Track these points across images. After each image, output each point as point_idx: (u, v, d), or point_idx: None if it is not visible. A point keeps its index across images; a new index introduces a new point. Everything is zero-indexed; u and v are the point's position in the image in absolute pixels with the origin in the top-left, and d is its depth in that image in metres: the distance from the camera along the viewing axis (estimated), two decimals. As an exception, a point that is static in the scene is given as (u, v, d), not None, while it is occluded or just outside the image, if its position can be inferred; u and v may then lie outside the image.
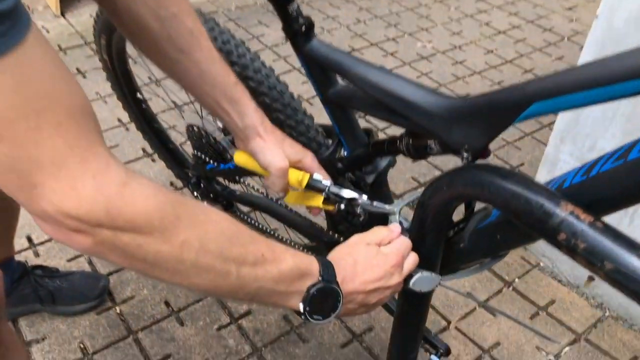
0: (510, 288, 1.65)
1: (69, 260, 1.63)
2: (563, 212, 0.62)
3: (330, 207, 0.93)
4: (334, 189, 0.90)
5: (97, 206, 0.51)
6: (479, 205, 0.91)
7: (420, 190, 0.93)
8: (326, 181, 0.91)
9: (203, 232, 0.59)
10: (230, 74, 0.91)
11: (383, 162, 0.97)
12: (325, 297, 0.71)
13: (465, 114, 0.74)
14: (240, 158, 1.02)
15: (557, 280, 1.68)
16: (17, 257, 1.62)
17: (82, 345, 1.43)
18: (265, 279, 0.66)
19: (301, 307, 0.71)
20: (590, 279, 1.62)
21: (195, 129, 1.36)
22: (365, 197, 0.86)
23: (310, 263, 0.71)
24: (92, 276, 1.54)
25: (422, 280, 0.82)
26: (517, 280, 1.67)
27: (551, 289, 1.65)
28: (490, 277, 1.68)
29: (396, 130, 0.87)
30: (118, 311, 1.52)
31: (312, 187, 0.91)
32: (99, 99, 2.24)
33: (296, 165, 0.93)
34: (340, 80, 0.93)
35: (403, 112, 0.80)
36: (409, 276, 0.81)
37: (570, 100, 0.60)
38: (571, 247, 0.61)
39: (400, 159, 0.99)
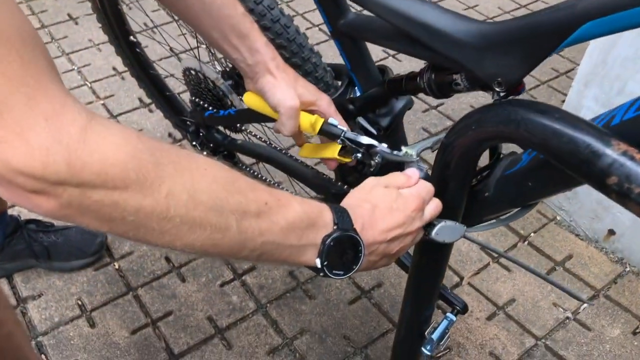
0: (526, 242, 1.58)
1: (65, 215, 1.56)
2: (614, 152, 0.53)
3: (348, 159, 0.84)
4: (351, 135, 0.81)
5: (54, 158, 0.41)
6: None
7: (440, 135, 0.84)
8: (342, 127, 0.82)
9: (191, 180, 0.50)
10: (237, 4, 0.82)
11: (399, 103, 0.88)
12: (343, 248, 0.63)
13: (500, 41, 0.64)
14: (250, 99, 0.93)
15: (575, 234, 1.61)
16: (10, 211, 1.56)
17: (79, 302, 1.37)
18: (272, 232, 0.58)
19: (318, 262, 0.63)
20: (611, 232, 1.55)
21: (192, 73, 1.26)
22: (384, 145, 0.77)
23: (322, 211, 0.63)
24: (89, 231, 1.47)
25: (446, 230, 0.74)
26: (532, 234, 1.60)
27: (568, 244, 1.58)
28: (504, 231, 1.61)
29: (413, 67, 0.78)
30: (117, 267, 1.46)
31: (327, 132, 0.82)
32: (93, 46, 2.13)
33: (310, 109, 0.85)
34: (352, 9, 0.83)
35: (425, 41, 0.70)
36: (431, 225, 0.73)
37: (635, 15, 0.51)
38: (623, 192, 0.52)
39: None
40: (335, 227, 0.63)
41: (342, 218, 0.63)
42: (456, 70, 0.72)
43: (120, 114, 1.87)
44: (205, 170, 0.52)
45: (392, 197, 0.69)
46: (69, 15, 2.27)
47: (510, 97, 0.69)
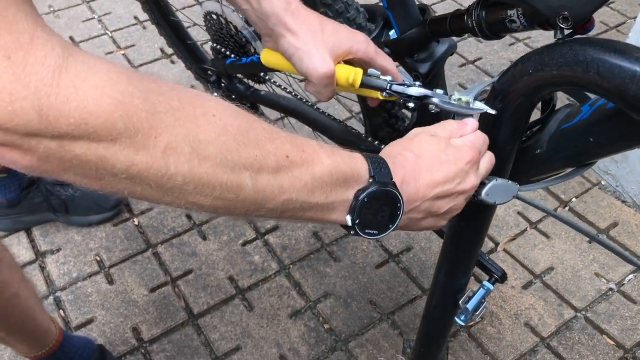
0: (567, 209, 1.48)
1: (84, 168, 1.51)
2: None
3: (394, 98, 0.72)
4: (398, 88, 0.68)
5: (20, 105, 0.34)
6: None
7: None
8: (386, 77, 0.69)
9: (195, 131, 0.42)
10: None
11: (442, 48, 0.78)
12: (379, 205, 0.54)
13: (570, -35, 0.53)
14: (269, 58, 0.79)
15: (621, 200, 1.50)
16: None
17: (98, 258, 1.33)
18: (295, 189, 0.49)
19: (349, 219, 0.54)
20: (661, 200, 1.43)
21: (214, 17, 1.17)
22: (441, 91, 0.66)
23: (355, 162, 0.54)
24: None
25: (497, 190, 0.64)
26: (574, 200, 1.50)
27: (614, 211, 1.47)
28: (544, 196, 1.50)
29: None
30: (136, 223, 1.41)
31: (368, 86, 0.70)
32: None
33: (347, 58, 0.71)
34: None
35: (479, -30, 0.60)
36: (481, 185, 0.63)
37: None
38: None
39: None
40: (370, 181, 0.54)
41: (380, 169, 0.54)
42: (512, 5, 0.62)
43: (141, 65, 1.80)
44: (213, 118, 0.44)
45: (441, 147, 0.59)
46: (90, -38, 2.18)
47: (577, 36, 0.59)
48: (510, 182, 0.66)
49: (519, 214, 1.46)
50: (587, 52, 0.54)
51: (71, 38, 1.88)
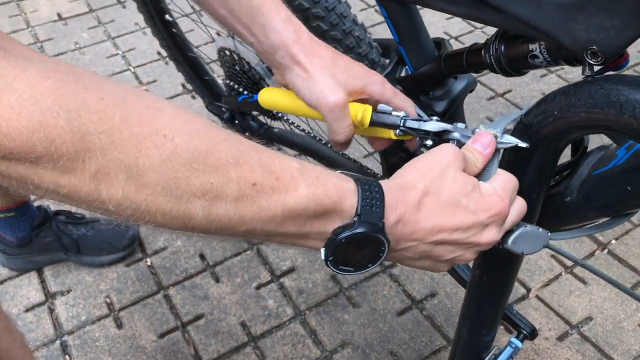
0: (606, 251, 1.37)
1: (99, 206, 1.48)
2: None
3: (408, 137, 0.66)
4: (413, 124, 0.62)
5: None
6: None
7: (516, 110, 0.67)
8: (398, 112, 0.63)
9: (135, 154, 0.37)
10: None
11: (459, 84, 0.71)
12: (359, 246, 0.47)
13: (598, -6, 0.47)
14: (267, 97, 0.74)
15: (666, 243, 1.38)
16: (46, 200, 1.50)
17: (108, 300, 1.29)
18: (260, 220, 0.43)
19: (322, 252, 0.48)
20: None
21: (227, 53, 1.14)
22: (462, 125, 0.59)
23: (341, 194, 0.46)
24: (120, 224, 1.38)
25: (526, 238, 0.56)
26: (613, 241, 1.39)
27: (658, 254, 1.36)
28: (580, 238, 1.40)
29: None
30: (149, 263, 1.36)
31: (379, 123, 0.64)
32: (138, 30, 2.06)
33: (360, 97, 0.65)
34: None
35: (495, 1, 0.54)
36: (508, 232, 0.55)
37: None
38: None
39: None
40: (355, 219, 0.46)
41: (370, 207, 0.46)
42: (533, 38, 0.55)
43: (162, 101, 1.79)
44: (163, 138, 0.38)
45: (466, 189, 0.50)
46: (117, -1, 2.21)
47: (608, 73, 0.52)
48: (540, 229, 0.58)
49: (552, 256, 1.36)
50: (620, 92, 0.47)
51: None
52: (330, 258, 0.47)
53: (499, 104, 1.76)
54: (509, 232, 0.56)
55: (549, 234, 0.59)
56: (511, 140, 0.56)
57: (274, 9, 0.64)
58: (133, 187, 0.37)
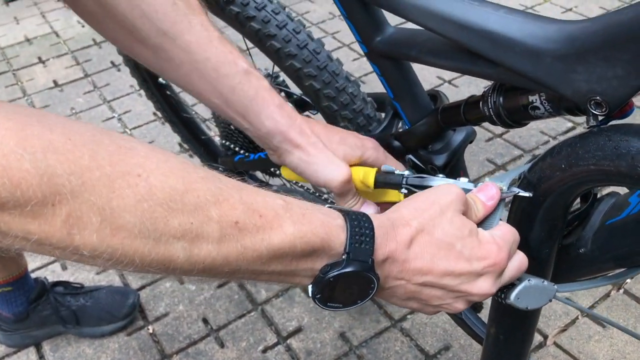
0: (622, 291, 1.33)
1: (98, 274, 1.45)
2: None
3: None
4: (415, 181, 0.61)
5: None
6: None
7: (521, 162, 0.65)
8: (400, 171, 0.63)
9: (108, 196, 0.35)
10: (239, 58, 0.64)
11: (458, 136, 0.70)
12: (348, 284, 0.46)
13: (597, 44, 0.45)
14: (288, 172, 0.74)
15: (683, 279, 1.34)
16: (44, 271, 1.47)
17: (109, 373, 1.24)
18: (244, 260, 0.41)
19: (310, 289, 0.46)
20: None
21: (221, 113, 1.13)
22: (465, 180, 0.58)
23: (329, 232, 0.44)
24: (120, 292, 1.34)
25: (530, 292, 0.53)
26: (629, 281, 1.34)
27: (676, 291, 1.32)
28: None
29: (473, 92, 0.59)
30: (151, 331, 1.32)
31: (384, 183, 0.63)
32: (134, 92, 2.07)
33: (357, 164, 0.67)
34: (391, 23, 0.66)
35: (489, 54, 0.52)
36: (510, 286, 0.53)
37: None
38: None
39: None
40: (344, 257, 0.45)
41: (360, 244, 0.45)
42: (533, 90, 0.54)
43: (159, 161, 1.78)
44: (137, 178, 0.36)
45: (462, 233, 0.48)
46: (112, 62, 2.23)
47: (613, 123, 0.50)
48: (546, 282, 0.55)
49: (567, 299, 1.31)
50: (630, 143, 0.45)
51: (91, 138, 1.88)
52: (318, 296, 0.46)
53: (497, 144, 1.75)
54: (512, 287, 0.53)
55: (555, 286, 0.56)
56: (514, 190, 0.54)
57: (268, 97, 0.65)
58: (108, 230, 0.35)
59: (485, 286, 0.49)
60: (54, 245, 0.35)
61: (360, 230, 0.45)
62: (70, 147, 0.34)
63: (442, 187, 0.52)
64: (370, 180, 0.63)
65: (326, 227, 0.44)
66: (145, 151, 0.38)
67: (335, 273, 0.44)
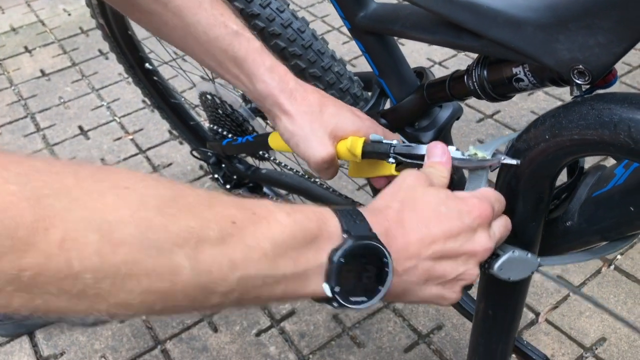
0: (612, 267, 1.34)
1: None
2: None
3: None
4: (403, 149, 0.60)
5: None
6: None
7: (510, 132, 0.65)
8: (389, 140, 0.62)
9: (101, 210, 0.33)
10: (229, 20, 0.64)
11: (445, 113, 0.69)
12: (361, 264, 0.44)
13: (579, 12, 0.45)
14: (274, 141, 0.75)
15: (673, 254, 1.35)
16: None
17: (103, 360, 1.24)
18: (252, 262, 0.39)
19: (327, 288, 0.43)
20: None
21: (209, 97, 1.12)
22: (452, 147, 0.57)
23: (322, 217, 0.44)
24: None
25: (513, 264, 0.54)
26: (619, 257, 1.35)
27: (666, 266, 1.32)
28: (584, 255, 1.36)
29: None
30: (144, 317, 1.32)
31: (372, 153, 0.62)
32: (122, 80, 2.05)
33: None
34: (375, -1, 0.66)
35: (472, 26, 0.52)
36: (494, 256, 0.53)
37: None
38: None
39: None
40: (345, 236, 0.44)
41: (354, 221, 0.45)
42: (517, 62, 0.53)
43: (149, 148, 1.77)
44: (125, 190, 0.35)
45: (441, 198, 0.49)
46: (99, 50, 2.21)
47: (597, 91, 0.49)
48: (529, 255, 0.55)
49: (559, 277, 1.32)
50: (613, 111, 0.44)
51: (80, 127, 1.87)
52: (337, 289, 0.43)
53: (488, 125, 1.75)
54: (496, 257, 0.53)
55: (539, 259, 0.57)
56: (499, 157, 0.54)
57: (259, 58, 0.64)
58: (108, 247, 0.32)
59: (483, 240, 0.50)
60: (49, 280, 0.31)
61: (349, 213, 0.45)
62: (52, 169, 0.32)
63: (400, 175, 0.52)
64: (358, 150, 0.62)
65: (317, 213, 0.44)
66: (127, 170, 0.37)
67: (342, 250, 0.43)
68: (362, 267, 0.44)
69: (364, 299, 0.45)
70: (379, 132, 0.66)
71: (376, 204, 0.49)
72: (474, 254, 0.49)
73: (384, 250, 0.44)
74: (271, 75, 0.64)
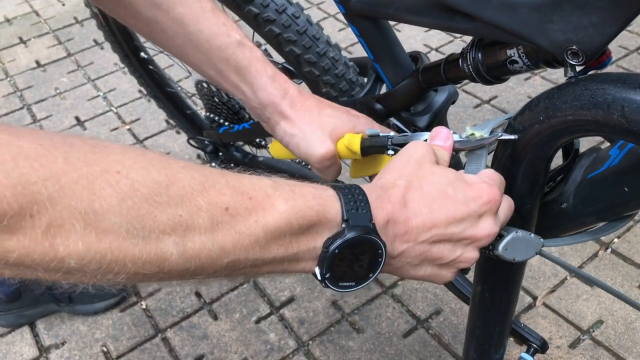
0: (609, 250, 1.34)
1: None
2: None
3: None
4: (401, 139, 0.60)
5: None
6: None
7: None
8: (387, 133, 0.62)
9: (89, 198, 0.33)
10: (232, 29, 0.65)
11: (440, 97, 0.69)
12: (355, 255, 0.44)
13: (573, -8, 0.45)
14: (277, 150, 0.76)
15: (669, 237, 1.36)
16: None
17: (104, 349, 1.25)
18: (242, 248, 0.39)
19: (317, 272, 0.44)
20: None
21: (205, 85, 1.12)
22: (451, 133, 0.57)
23: (324, 203, 0.43)
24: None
25: (517, 244, 0.53)
26: (616, 240, 1.36)
27: (662, 249, 1.33)
28: (582, 239, 1.37)
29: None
30: (144, 306, 1.32)
31: (370, 147, 0.62)
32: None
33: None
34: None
35: (465, 8, 0.52)
36: (498, 237, 0.52)
37: None
38: None
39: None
40: (343, 226, 0.43)
41: (356, 209, 0.44)
42: (511, 43, 0.53)
43: (147, 138, 1.76)
44: (117, 175, 0.35)
45: (449, 178, 0.48)
46: (94, 41, 2.20)
47: (591, 72, 0.49)
48: (533, 235, 0.55)
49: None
50: (606, 91, 0.44)
51: (77, 118, 1.87)
52: (327, 275, 0.44)
53: (485, 110, 1.75)
54: (499, 238, 0.53)
55: (542, 240, 0.57)
56: (497, 133, 0.54)
57: (261, 67, 0.65)
58: (94, 235, 0.33)
59: (487, 226, 0.49)
60: (36, 262, 0.32)
61: (354, 197, 0.44)
62: (42, 152, 0.32)
63: (409, 145, 0.52)
64: (356, 146, 0.63)
65: (318, 198, 0.43)
66: (121, 148, 0.37)
67: (339, 243, 0.43)
68: (355, 257, 0.44)
69: (352, 283, 0.46)
70: (375, 127, 0.66)
71: (383, 180, 0.49)
72: (477, 239, 0.49)
73: (381, 245, 0.44)
74: (273, 84, 0.65)
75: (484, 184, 0.49)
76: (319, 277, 0.44)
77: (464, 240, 0.49)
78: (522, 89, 1.80)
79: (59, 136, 0.34)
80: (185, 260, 0.37)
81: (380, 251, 0.45)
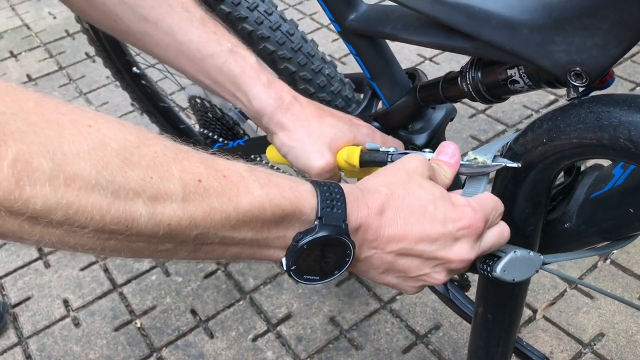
0: (608, 262, 1.33)
1: (82, 269, 1.43)
2: None
3: None
4: (401, 156, 0.57)
5: None
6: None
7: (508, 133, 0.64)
8: (387, 148, 0.61)
9: (58, 139, 0.32)
10: (223, 38, 0.63)
11: (439, 114, 0.68)
12: (323, 252, 0.44)
13: (575, 12, 0.44)
14: (273, 155, 0.74)
15: (668, 247, 1.35)
16: (29, 269, 1.44)
17: (98, 370, 1.22)
18: (212, 223, 0.38)
19: (284, 262, 0.44)
20: None
21: (198, 101, 1.11)
22: None
23: (299, 196, 0.43)
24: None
25: (516, 264, 0.52)
26: (615, 251, 1.35)
27: (661, 259, 1.32)
28: (580, 250, 1.36)
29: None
30: (138, 325, 1.30)
31: (369, 162, 0.61)
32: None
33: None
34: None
35: (465, 28, 0.51)
36: (495, 257, 0.51)
37: None
38: None
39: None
40: (316, 223, 0.43)
41: (331, 208, 0.43)
42: (511, 63, 0.52)
43: (140, 153, 1.74)
44: (88, 128, 0.33)
45: (434, 196, 0.48)
46: (86, 54, 2.18)
47: (594, 93, 0.48)
48: (532, 253, 0.54)
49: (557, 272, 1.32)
50: (612, 114, 0.43)
51: (68, 132, 1.85)
52: (293, 267, 0.44)
53: (480, 121, 1.74)
54: (497, 260, 0.52)
55: (542, 257, 0.56)
56: (500, 161, 0.53)
57: (254, 75, 0.63)
58: (61, 178, 0.31)
59: (462, 251, 0.48)
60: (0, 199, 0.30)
61: (331, 195, 0.44)
62: (13, 91, 0.31)
63: (407, 156, 0.52)
64: (355, 159, 0.62)
65: (295, 191, 0.43)
66: (94, 111, 0.36)
67: (309, 239, 0.43)
68: (323, 254, 0.45)
69: (317, 278, 0.46)
70: (377, 139, 0.65)
71: (368, 183, 0.49)
72: (447, 262, 0.48)
73: (350, 246, 0.45)
74: (267, 92, 0.63)
75: (469, 208, 0.48)
76: (285, 268, 0.45)
77: (434, 260, 0.48)
78: (517, 98, 1.79)
79: (33, 91, 0.33)
80: (154, 224, 0.36)
81: (348, 252, 0.45)
